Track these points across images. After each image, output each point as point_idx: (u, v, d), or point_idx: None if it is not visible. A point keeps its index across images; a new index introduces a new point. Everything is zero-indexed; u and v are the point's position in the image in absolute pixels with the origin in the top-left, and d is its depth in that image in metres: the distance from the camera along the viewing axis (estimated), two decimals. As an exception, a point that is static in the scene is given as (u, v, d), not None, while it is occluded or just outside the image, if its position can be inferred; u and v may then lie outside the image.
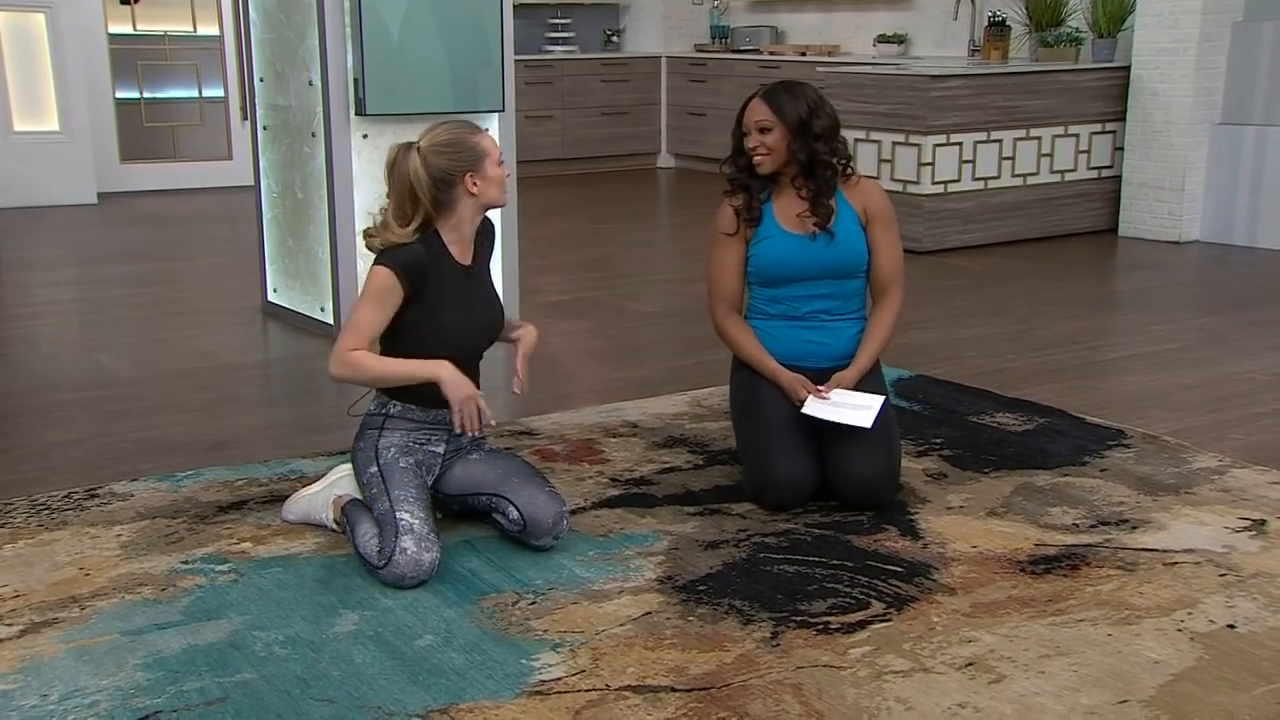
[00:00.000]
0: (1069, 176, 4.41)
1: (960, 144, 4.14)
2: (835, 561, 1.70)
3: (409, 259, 1.64)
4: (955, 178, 4.16)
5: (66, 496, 1.95)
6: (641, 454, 2.15)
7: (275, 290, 3.27)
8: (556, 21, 6.43)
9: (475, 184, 1.67)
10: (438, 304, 1.67)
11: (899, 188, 4.09)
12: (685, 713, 1.32)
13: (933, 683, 1.38)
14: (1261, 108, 4.15)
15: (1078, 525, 1.83)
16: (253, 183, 3.27)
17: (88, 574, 1.67)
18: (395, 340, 1.69)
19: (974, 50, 5.10)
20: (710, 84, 6.19)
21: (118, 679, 1.39)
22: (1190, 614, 1.54)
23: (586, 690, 1.36)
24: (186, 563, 1.71)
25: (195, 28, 5.67)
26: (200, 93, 5.72)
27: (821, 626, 1.51)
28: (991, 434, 2.25)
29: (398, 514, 1.63)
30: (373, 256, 1.69)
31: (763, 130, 1.86)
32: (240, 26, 3.43)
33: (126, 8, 5.52)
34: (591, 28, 6.63)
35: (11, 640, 1.48)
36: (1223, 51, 4.18)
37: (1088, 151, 4.43)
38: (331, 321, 3.04)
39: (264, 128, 3.17)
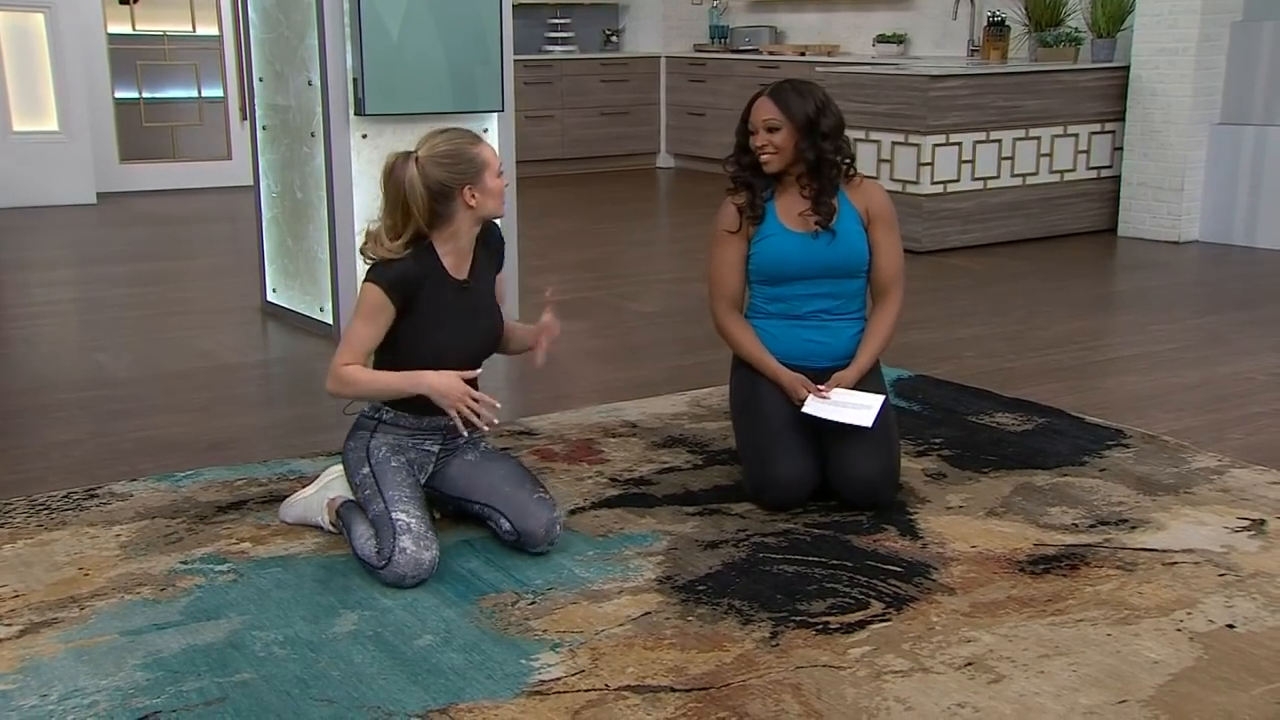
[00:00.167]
0: (1068, 176, 4.41)
1: (960, 144, 4.14)
2: (835, 561, 1.70)
3: (398, 276, 1.63)
4: (955, 178, 4.16)
5: (66, 496, 1.95)
6: (641, 454, 2.15)
7: (274, 290, 3.27)
8: (556, 21, 6.43)
9: (474, 197, 1.64)
10: (430, 319, 1.65)
11: (898, 188, 4.09)
12: (684, 713, 1.32)
13: (932, 682, 1.38)
14: (1261, 107, 4.15)
15: (1077, 525, 1.83)
16: (252, 183, 3.27)
17: (87, 574, 1.67)
18: (390, 354, 1.68)
19: (973, 50, 5.10)
20: (710, 84, 6.19)
21: (117, 679, 1.39)
22: (1189, 614, 1.54)
23: (586, 690, 1.36)
24: (186, 563, 1.71)
25: (194, 28, 5.67)
26: (199, 93, 5.72)
27: (821, 626, 1.51)
28: (991, 434, 2.25)
29: (393, 514, 1.62)
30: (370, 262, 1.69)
31: (770, 129, 1.86)
32: (239, 26, 3.43)
33: (126, 8, 5.52)
34: (591, 28, 6.63)
35: (11, 640, 1.48)
36: (1222, 51, 4.18)
37: (1087, 151, 4.43)
38: (331, 321, 3.04)
39: (263, 128, 3.17)
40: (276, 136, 3.13)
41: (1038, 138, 4.31)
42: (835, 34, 5.93)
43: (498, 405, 1.63)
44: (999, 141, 4.23)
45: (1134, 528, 1.82)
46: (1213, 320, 3.19)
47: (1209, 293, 3.66)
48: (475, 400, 1.61)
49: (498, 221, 1.79)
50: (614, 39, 6.68)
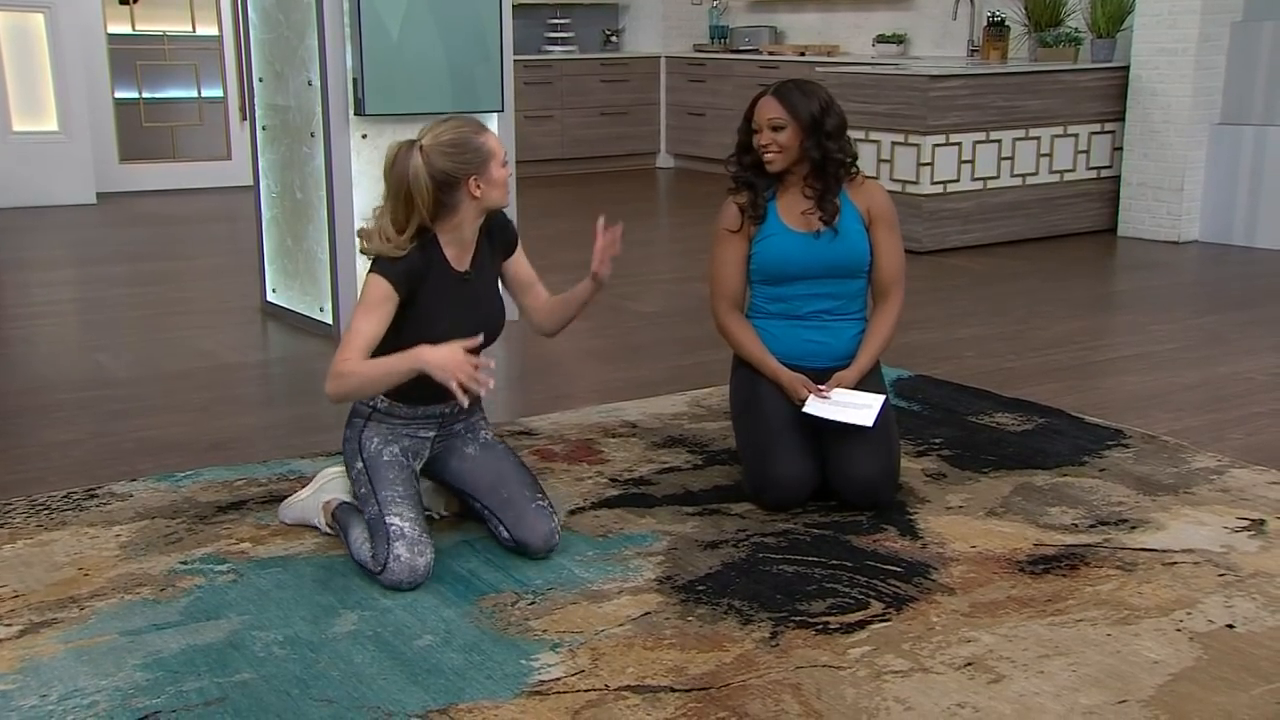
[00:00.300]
0: (1068, 176, 4.41)
1: (959, 144, 4.14)
2: (834, 561, 1.70)
3: (403, 266, 1.60)
4: (954, 178, 4.16)
5: (66, 496, 1.94)
6: (641, 454, 2.14)
7: (274, 290, 3.27)
8: (556, 21, 6.43)
9: (479, 187, 1.61)
10: (431, 313, 1.63)
11: (898, 188, 4.09)
12: (684, 713, 1.32)
13: (932, 683, 1.38)
14: (1261, 107, 4.15)
15: (1077, 525, 1.83)
16: (252, 183, 3.27)
17: (87, 574, 1.67)
18: (390, 348, 1.64)
19: (973, 50, 5.10)
20: (709, 84, 6.19)
21: (117, 679, 1.39)
22: (1189, 614, 1.54)
23: (586, 690, 1.36)
24: (185, 563, 1.71)
25: (194, 28, 5.67)
26: (199, 93, 5.72)
27: (821, 626, 1.51)
28: (991, 434, 2.25)
29: (387, 519, 1.61)
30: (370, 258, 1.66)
31: (775, 128, 1.85)
32: (239, 27, 3.43)
33: (125, 8, 5.52)
34: (591, 28, 6.63)
35: (10, 640, 1.48)
36: (1222, 51, 4.18)
37: (1087, 151, 4.43)
38: (330, 321, 3.04)
39: (263, 128, 3.17)
40: (276, 136, 3.13)
41: (1038, 138, 4.31)
42: (835, 34, 5.93)
43: (491, 365, 1.57)
44: (999, 142, 4.23)
45: (1134, 528, 1.82)
46: (1212, 320, 3.19)
47: (1209, 293, 3.66)
48: (474, 367, 1.54)
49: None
50: (614, 39, 6.68)
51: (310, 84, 2.91)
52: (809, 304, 1.93)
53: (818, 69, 4.77)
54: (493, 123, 3.05)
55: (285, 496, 1.87)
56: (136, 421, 2.37)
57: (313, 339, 3.03)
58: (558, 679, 1.39)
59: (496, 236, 1.75)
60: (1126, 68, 4.34)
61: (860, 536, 1.78)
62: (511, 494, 1.70)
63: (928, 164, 4.09)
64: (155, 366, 2.79)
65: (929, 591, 1.61)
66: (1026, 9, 4.63)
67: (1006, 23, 4.77)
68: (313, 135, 2.95)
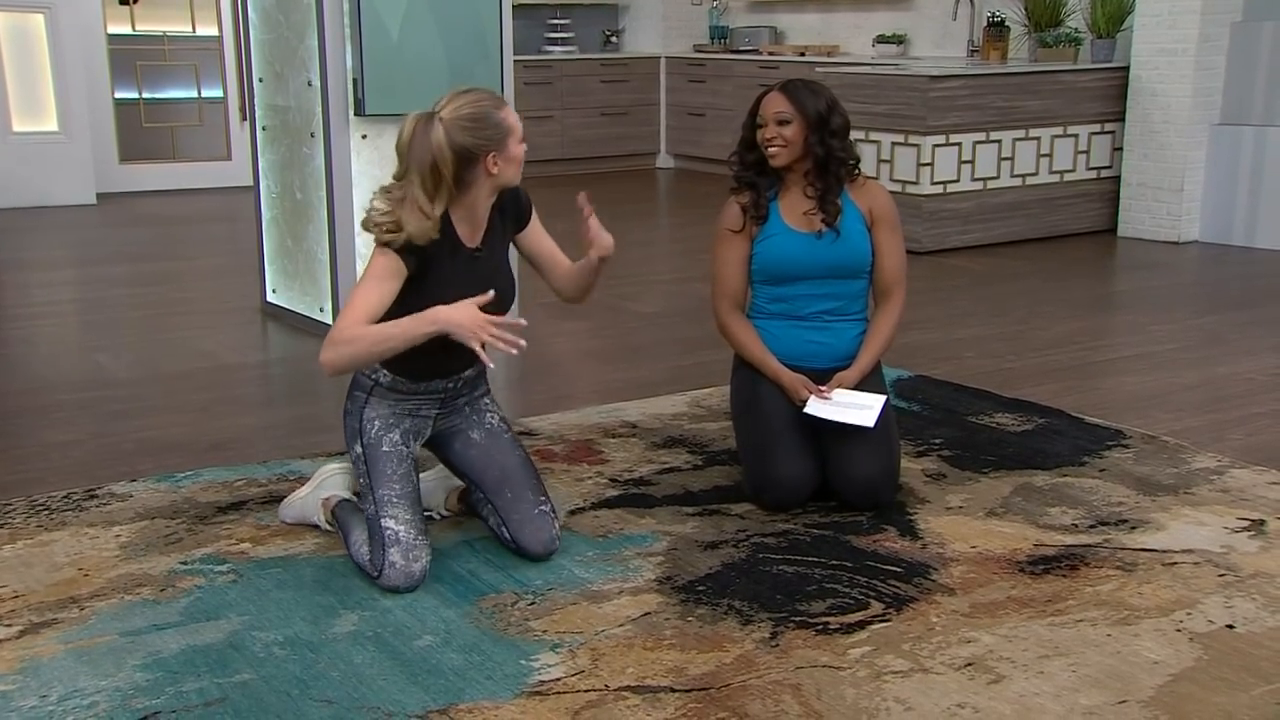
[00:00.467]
0: (1068, 177, 4.41)
1: (959, 144, 4.14)
2: (834, 562, 1.70)
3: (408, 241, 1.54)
4: (954, 178, 4.16)
5: (66, 497, 1.94)
6: (641, 454, 2.14)
7: (274, 290, 3.27)
8: (556, 22, 6.43)
9: (496, 164, 1.55)
10: (440, 291, 1.55)
11: (898, 188, 4.09)
12: (684, 713, 1.32)
13: (932, 683, 1.38)
14: (1260, 108, 4.15)
15: (1077, 525, 1.83)
16: (252, 183, 3.27)
17: (87, 574, 1.67)
18: (400, 352, 1.58)
19: (973, 50, 5.10)
20: (709, 84, 6.19)
21: (117, 680, 1.39)
22: (1189, 614, 1.54)
23: (586, 690, 1.36)
24: (185, 563, 1.71)
25: (194, 28, 5.67)
26: (199, 93, 5.72)
27: (821, 627, 1.51)
28: (991, 434, 2.25)
29: (383, 522, 1.60)
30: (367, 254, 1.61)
31: (781, 122, 1.85)
32: (239, 27, 3.43)
33: (125, 8, 5.52)
34: (591, 28, 6.63)
35: (10, 641, 1.48)
36: (1222, 52, 4.18)
37: (1087, 152, 4.43)
38: (330, 322, 3.04)
39: (263, 128, 3.17)
40: (276, 137, 3.13)
41: (1037, 138, 4.31)
42: (835, 34, 5.93)
43: (523, 323, 1.48)
44: (999, 142, 4.23)
45: (1134, 528, 1.82)
46: (1212, 320, 3.19)
47: (1209, 293, 3.66)
48: (496, 326, 1.47)
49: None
50: (614, 39, 6.68)
51: (310, 84, 2.92)
52: (810, 304, 1.93)
53: (818, 69, 4.77)
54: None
55: (285, 497, 1.87)
56: (136, 422, 2.37)
57: (313, 339, 3.02)
58: (558, 679, 1.39)
59: (509, 211, 1.68)
60: (1126, 68, 4.35)
61: (860, 537, 1.78)
62: (516, 496, 1.68)
63: (928, 164, 4.09)
64: (155, 367, 2.79)
65: (929, 592, 1.61)
66: (1026, 9, 4.64)
67: (1006, 23, 4.77)
68: (313, 135, 2.95)
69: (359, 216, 2.98)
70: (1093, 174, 4.46)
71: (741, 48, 6.20)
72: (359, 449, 1.66)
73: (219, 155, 5.73)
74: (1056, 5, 4.54)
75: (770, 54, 5.93)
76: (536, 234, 1.74)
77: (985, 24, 4.87)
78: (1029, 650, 1.45)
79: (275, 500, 1.90)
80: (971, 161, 4.19)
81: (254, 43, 3.14)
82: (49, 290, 3.67)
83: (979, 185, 4.22)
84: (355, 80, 2.84)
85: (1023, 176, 4.31)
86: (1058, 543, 1.76)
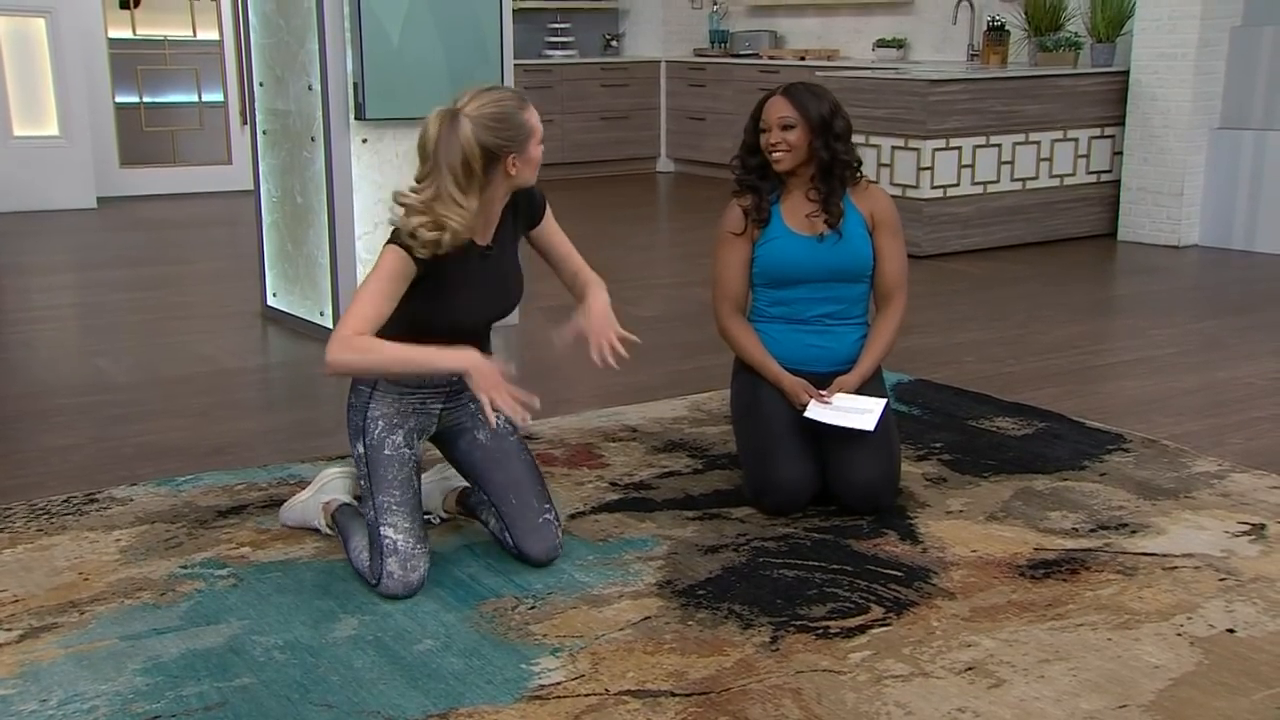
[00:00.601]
0: (1068, 181, 4.42)
1: (959, 148, 4.15)
2: (835, 566, 1.70)
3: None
4: (954, 182, 4.17)
5: (65, 501, 1.94)
6: (641, 458, 2.14)
7: (275, 295, 3.28)
8: (556, 26, 6.44)
9: (515, 166, 1.54)
10: (449, 288, 1.55)
11: (898, 192, 4.09)
12: (685, 717, 1.32)
13: (932, 687, 1.37)
14: (1260, 112, 4.16)
15: (1077, 530, 1.83)
16: (252, 187, 3.28)
17: (87, 579, 1.67)
18: (401, 318, 1.57)
19: (973, 55, 5.12)
20: (710, 88, 6.20)
21: (117, 684, 1.39)
22: (1190, 618, 1.54)
23: (586, 695, 1.36)
24: (186, 567, 1.71)
25: (195, 32, 5.68)
26: (200, 97, 5.73)
27: (821, 631, 1.51)
28: (991, 438, 2.25)
29: (382, 530, 1.60)
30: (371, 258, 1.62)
31: (785, 127, 1.86)
32: (240, 31, 3.44)
33: (126, 13, 5.53)
34: (591, 32, 6.65)
35: (10, 645, 1.48)
36: (1221, 56, 4.19)
37: (1087, 156, 4.44)
38: (331, 326, 3.04)
39: (263, 132, 3.18)
40: (277, 141, 3.13)
41: (1037, 142, 4.32)
42: (835, 39, 5.94)
43: (537, 403, 1.47)
44: (999, 146, 4.24)
45: (1134, 532, 1.82)
46: (1212, 325, 3.20)
47: (1209, 297, 3.66)
48: (512, 395, 1.46)
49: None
50: (614, 44, 6.70)
51: (310, 88, 2.92)
52: (811, 308, 1.93)
53: (818, 73, 4.78)
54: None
55: (285, 501, 1.87)
56: (136, 426, 2.37)
57: (313, 343, 3.03)
58: (558, 683, 1.38)
59: (521, 208, 1.66)
60: (1126, 72, 4.36)
61: (860, 541, 1.78)
62: (522, 503, 1.67)
63: (928, 168, 4.10)
64: (155, 371, 2.80)
65: (929, 596, 1.61)
66: (1026, 13, 4.65)
67: (1006, 27, 4.78)
68: (313, 140, 2.96)
69: (359, 221, 3.02)
70: (1093, 178, 4.47)
71: (741, 52, 6.21)
72: (361, 449, 1.65)
73: (219, 159, 5.74)
74: (1056, 9, 4.55)
75: (770, 58, 5.95)
76: (549, 232, 1.72)
77: (985, 28, 4.88)
78: (1029, 654, 1.45)
79: (275, 504, 1.90)
80: (971, 166, 4.20)
81: (254, 47, 3.15)
82: (49, 294, 3.67)
83: (979, 189, 4.23)
84: (355, 84, 2.84)
85: (1023, 181, 4.32)
86: (1058, 547, 1.76)
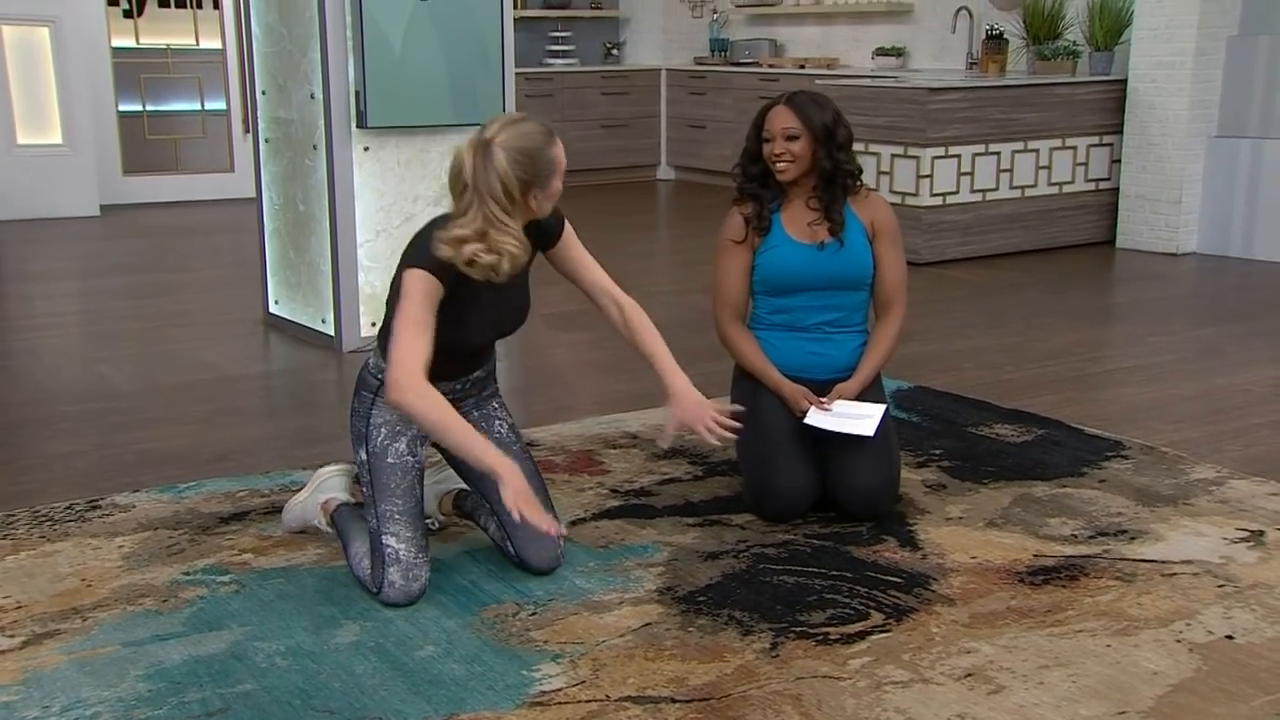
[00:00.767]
0: (1066, 189, 4.44)
1: (958, 156, 4.17)
2: (834, 572, 1.71)
3: (443, 260, 1.51)
4: (954, 190, 4.19)
5: (68, 508, 1.95)
6: (641, 465, 2.15)
7: (277, 302, 3.29)
8: (557, 34, 6.48)
9: (535, 200, 1.55)
10: (460, 309, 1.56)
11: (898, 200, 4.11)
12: (685, 724, 1.32)
13: (932, 693, 1.38)
14: (1257, 121, 4.18)
15: (1076, 536, 1.84)
16: (254, 195, 3.29)
17: (89, 585, 1.67)
18: None
19: (972, 63, 5.14)
20: (710, 96, 6.23)
21: (119, 690, 1.39)
22: (1189, 625, 1.54)
23: (587, 701, 1.36)
24: (188, 574, 1.71)
25: (198, 41, 5.72)
26: (203, 105, 5.76)
27: (821, 637, 1.51)
28: (990, 445, 2.25)
29: (384, 539, 1.60)
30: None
31: (789, 137, 1.86)
32: (242, 40, 3.46)
33: (130, 21, 5.57)
34: (592, 41, 6.69)
35: (13, 651, 1.48)
36: (1218, 65, 4.22)
37: (1085, 164, 4.46)
38: (332, 333, 3.05)
39: (266, 140, 3.20)
40: (279, 149, 3.15)
41: (1036, 150, 4.34)
42: (834, 47, 5.97)
43: (564, 532, 1.50)
44: (998, 154, 4.26)
45: (1133, 539, 1.83)
46: (1210, 332, 3.21)
47: (1206, 304, 3.68)
48: (537, 512, 1.48)
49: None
50: (615, 52, 6.74)
51: (313, 97, 2.94)
52: (812, 316, 1.94)
53: (817, 82, 4.80)
54: (494, 136, 3.08)
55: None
56: (139, 433, 2.38)
57: (315, 350, 3.04)
58: (559, 690, 1.39)
59: (532, 230, 1.65)
60: (1124, 81, 4.38)
61: (860, 547, 1.79)
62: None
63: (927, 176, 4.12)
64: (157, 378, 2.80)
65: (929, 602, 1.61)
66: (1025, 22, 4.67)
67: (1005, 36, 4.81)
68: (315, 148, 2.97)
69: (361, 228, 3.04)
70: (1091, 186, 4.49)
71: (741, 60, 6.25)
72: (364, 455, 1.66)
73: (222, 167, 5.77)
74: (1055, 18, 4.58)
75: (770, 66, 5.98)
76: (568, 251, 1.71)
77: (984, 37, 4.91)
78: (1029, 660, 1.45)
79: (277, 511, 1.90)
80: (970, 173, 4.21)
81: (257, 55, 3.17)
82: (52, 302, 3.69)
83: (978, 197, 4.25)
84: (357, 93, 2.86)
85: (1021, 188, 4.34)
86: (1057, 553, 1.77)
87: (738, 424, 1.67)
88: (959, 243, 4.23)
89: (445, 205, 1.60)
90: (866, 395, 1.92)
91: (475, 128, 1.64)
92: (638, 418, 2.43)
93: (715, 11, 6.50)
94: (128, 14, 5.55)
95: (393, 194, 3.01)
